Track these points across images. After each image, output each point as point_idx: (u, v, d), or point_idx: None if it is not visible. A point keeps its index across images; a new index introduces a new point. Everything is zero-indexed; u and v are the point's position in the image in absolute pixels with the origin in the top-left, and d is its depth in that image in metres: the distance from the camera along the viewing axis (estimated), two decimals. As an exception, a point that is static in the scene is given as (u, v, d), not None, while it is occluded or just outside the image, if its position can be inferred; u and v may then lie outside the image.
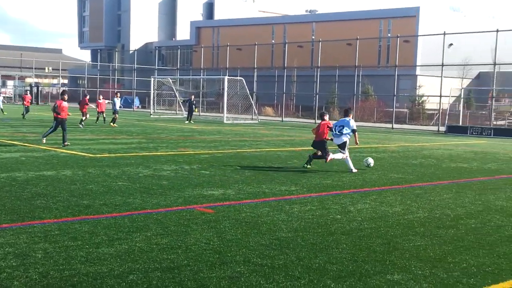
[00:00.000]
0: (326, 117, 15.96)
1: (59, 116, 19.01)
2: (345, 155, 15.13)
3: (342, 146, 15.17)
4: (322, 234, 8.03)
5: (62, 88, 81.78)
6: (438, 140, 29.30)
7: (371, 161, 15.70)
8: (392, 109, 44.23)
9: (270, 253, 6.99)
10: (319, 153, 15.43)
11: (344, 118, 15.47)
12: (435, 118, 40.71)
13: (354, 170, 14.88)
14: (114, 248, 6.97)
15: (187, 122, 39.63)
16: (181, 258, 6.66)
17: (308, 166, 15.34)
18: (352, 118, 15.75)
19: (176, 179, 12.62)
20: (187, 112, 42.46)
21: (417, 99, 54.78)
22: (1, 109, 41.05)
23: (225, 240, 7.54)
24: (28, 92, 44.97)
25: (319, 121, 16.22)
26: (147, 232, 7.78)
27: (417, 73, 62.28)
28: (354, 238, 7.89)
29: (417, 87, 58.41)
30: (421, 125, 47.64)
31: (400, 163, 17.67)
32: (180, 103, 52.17)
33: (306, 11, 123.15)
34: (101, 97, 34.72)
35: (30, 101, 39.73)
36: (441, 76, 40.25)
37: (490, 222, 9.27)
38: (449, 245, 7.69)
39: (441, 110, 42.41)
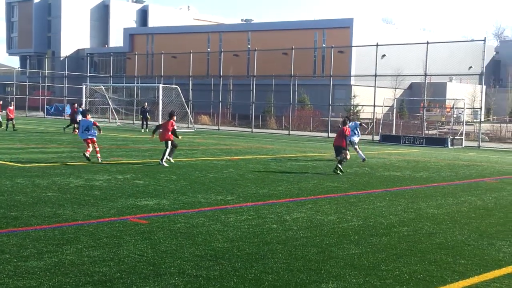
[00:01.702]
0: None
1: None
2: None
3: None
4: (258, 244, 7.99)
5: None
6: (372, 149, 29.92)
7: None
8: (328, 118, 44.89)
9: (205, 264, 6.89)
10: (339, 156, 17.43)
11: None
12: (369, 127, 41.58)
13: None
14: (44, 262, 6.73)
15: (142, 130, 38.85)
16: (113, 271, 6.47)
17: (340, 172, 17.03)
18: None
19: (109, 189, 12.32)
20: (140, 121, 41.91)
21: (352, 108, 55.90)
22: None
23: (159, 251, 7.40)
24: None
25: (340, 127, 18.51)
26: (78, 244, 7.55)
27: (351, 83, 63.61)
28: (289, 247, 7.89)
29: (352, 97, 59.66)
30: (355, 134, 48.54)
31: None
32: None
33: (242, 20, 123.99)
34: (12, 104, 34.89)
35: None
36: (375, 86, 41.20)
37: (421, 229, 9.48)
38: (382, 253, 7.81)
39: (375, 120, 43.40)
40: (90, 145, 17.67)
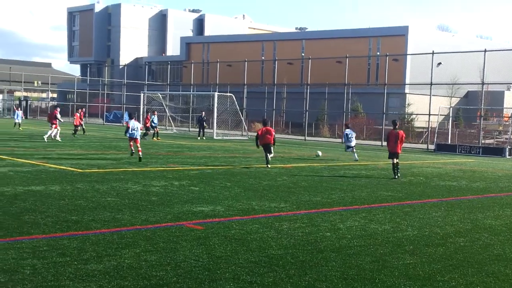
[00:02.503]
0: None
1: None
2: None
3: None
4: (311, 252, 8.03)
5: (51, 103, 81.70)
6: (427, 158, 29.44)
7: (319, 153, 25.91)
8: (381, 127, 44.40)
9: (259, 271, 6.98)
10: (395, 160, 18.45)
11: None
12: (424, 136, 40.87)
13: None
14: (103, 265, 6.93)
15: (199, 138, 39.47)
16: (170, 275, 6.64)
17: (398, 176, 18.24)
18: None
19: (166, 195, 12.59)
20: (197, 129, 42.76)
21: (406, 117, 55.08)
22: None
23: (214, 257, 7.52)
24: (80, 110, 41.39)
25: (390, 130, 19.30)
26: (136, 249, 7.75)
27: (406, 92, 62.73)
28: (343, 255, 7.89)
29: (406, 105, 58.77)
30: (410, 143, 47.82)
31: (389, 180, 17.72)
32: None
33: (296, 28, 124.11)
34: (79, 110, 37.47)
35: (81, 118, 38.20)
36: (430, 95, 40.52)
37: (478, 240, 9.31)
38: (438, 263, 7.71)
39: (430, 129, 42.65)
40: (132, 143, 20.92)
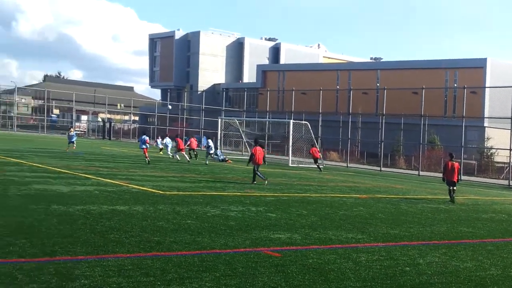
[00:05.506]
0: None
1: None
2: None
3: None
4: (391, 286, 7.93)
5: (133, 125, 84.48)
6: (509, 195, 28.37)
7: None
8: (460, 160, 43.17)
9: (339, 302, 6.96)
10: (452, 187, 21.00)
11: None
12: (505, 172, 39.37)
13: None
14: (185, 286, 7.10)
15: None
16: (250, 301, 6.72)
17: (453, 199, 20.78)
18: None
19: (243, 220, 12.76)
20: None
21: (486, 151, 53.33)
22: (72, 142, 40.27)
23: (292, 285, 7.56)
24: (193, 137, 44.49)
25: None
26: (216, 272, 7.89)
27: (485, 125, 60.85)
28: (424, 291, 7.75)
29: (486, 139, 56.95)
30: (490, 178, 46.24)
31: (470, 216, 17.22)
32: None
33: (371, 58, 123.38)
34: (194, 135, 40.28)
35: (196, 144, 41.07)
36: (511, 129, 39.15)
37: None
38: (524, 305, 7.45)
39: (511, 164, 41.08)
40: (147, 154, 30.49)
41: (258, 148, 23.21)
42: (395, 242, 11.52)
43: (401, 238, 12.14)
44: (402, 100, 58.35)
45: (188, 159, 35.65)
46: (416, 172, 44.44)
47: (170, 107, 75.96)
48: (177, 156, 36.18)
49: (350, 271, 8.59)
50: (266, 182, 22.33)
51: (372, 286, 7.85)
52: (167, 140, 39.22)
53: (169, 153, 38.36)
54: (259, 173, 22.83)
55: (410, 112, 54.03)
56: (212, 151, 36.77)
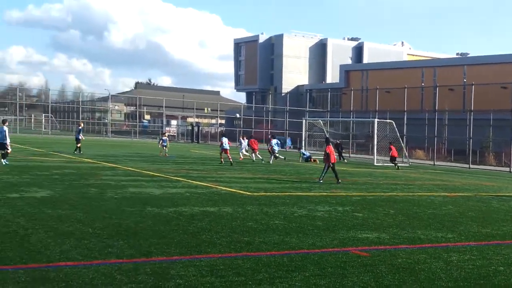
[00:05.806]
0: None
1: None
2: None
3: None
4: (485, 286, 7.79)
5: (220, 128, 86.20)
6: None
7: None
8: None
9: (430, 301, 6.93)
10: None
11: None
12: None
13: None
14: (275, 286, 7.25)
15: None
16: (340, 300, 6.81)
17: None
18: None
19: (330, 220, 12.84)
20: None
21: None
22: (164, 146, 40.96)
23: (382, 285, 7.57)
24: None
25: None
26: (305, 272, 8.01)
27: None
28: (519, 291, 7.57)
29: None
30: None
31: None
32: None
33: (457, 54, 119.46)
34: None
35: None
36: None
37: None
38: None
39: None
40: (224, 154, 32.04)
41: (331, 147, 23.82)
42: (488, 241, 11.24)
43: (493, 237, 11.83)
44: (491, 95, 56.16)
45: (253, 158, 36.80)
46: (507, 169, 42.72)
47: (238, 115, 76.90)
48: (259, 156, 36.63)
49: (441, 271, 8.49)
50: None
51: (465, 286, 7.74)
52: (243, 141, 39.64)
53: (244, 152, 38.94)
54: (325, 170, 23.16)
55: (499, 107, 51.92)
56: (276, 151, 37.05)
